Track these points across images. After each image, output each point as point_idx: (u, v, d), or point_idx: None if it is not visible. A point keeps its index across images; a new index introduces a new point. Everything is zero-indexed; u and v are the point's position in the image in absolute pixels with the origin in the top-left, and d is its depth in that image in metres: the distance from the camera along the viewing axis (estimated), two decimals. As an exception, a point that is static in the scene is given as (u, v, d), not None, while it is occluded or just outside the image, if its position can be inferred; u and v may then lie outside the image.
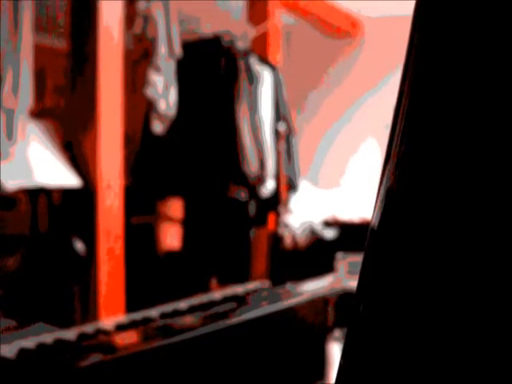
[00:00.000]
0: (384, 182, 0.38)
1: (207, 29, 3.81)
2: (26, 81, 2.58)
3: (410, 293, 0.36)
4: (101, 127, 2.70)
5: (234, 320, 1.42)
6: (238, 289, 1.86)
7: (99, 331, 1.33)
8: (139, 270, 3.03)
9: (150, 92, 3.15)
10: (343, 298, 1.79)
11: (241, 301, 1.63)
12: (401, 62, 0.40)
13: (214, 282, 3.62)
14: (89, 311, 2.78)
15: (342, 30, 5.50)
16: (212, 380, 1.33)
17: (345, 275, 2.02)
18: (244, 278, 3.66)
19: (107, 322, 1.41)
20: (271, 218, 4.02)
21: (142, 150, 3.41)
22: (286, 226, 4.30)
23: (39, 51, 2.89)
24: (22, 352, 1.16)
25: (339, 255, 2.07)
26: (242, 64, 3.56)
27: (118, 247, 2.81)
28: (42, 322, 2.65)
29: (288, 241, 4.43)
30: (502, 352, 0.33)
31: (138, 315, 1.44)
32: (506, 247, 0.33)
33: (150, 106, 3.22)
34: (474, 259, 0.34)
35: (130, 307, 2.68)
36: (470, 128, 0.34)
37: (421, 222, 0.36)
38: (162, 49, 3.29)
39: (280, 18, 4.45)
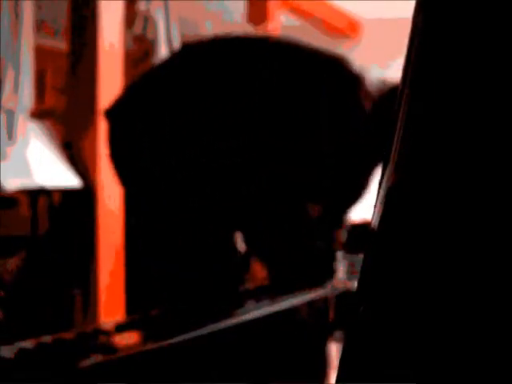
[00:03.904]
0: (384, 182, 0.38)
1: (207, 30, 3.81)
2: (26, 81, 2.58)
3: (411, 293, 0.36)
4: (101, 127, 2.70)
5: (234, 320, 1.42)
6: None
7: (99, 332, 1.33)
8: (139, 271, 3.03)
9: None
10: (343, 298, 1.79)
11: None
12: (398, 62, 0.40)
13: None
14: (89, 312, 2.78)
15: (341, 31, 5.50)
16: (212, 380, 1.33)
17: (345, 275, 2.02)
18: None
19: (107, 322, 1.41)
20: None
21: None
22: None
23: (40, 52, 2.89)
24: (22, 352, 1.16)
25: (339, 256, 2.07)
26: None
27: (119, 248, 2.80)
28: (42, 322, 2.65)
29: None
30: (504, 355, 0.33)
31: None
32: (508, 246, 0.33)
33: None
34: (476, 260, 0.34)
35: (131, 308, 2.68)
36: (471, 128, 0.34)
37: (421, 222, 0.36)
38: (162, 49, 3.29)
39: (280, 18, 4.45)
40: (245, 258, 2.12)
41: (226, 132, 1.88)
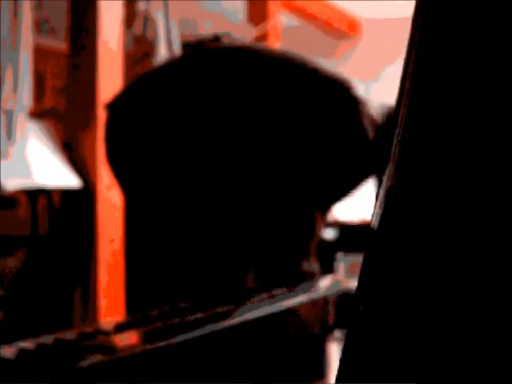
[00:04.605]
0: (384, 182, 0.38)
1: (206, 30, 3.81)
2: (25, 81, 2.58)
3: (411, 294, 0.36)
4: (101, 127, 2.70)
5: (234, 320, 1.42)
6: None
7: (99, 332, 1.33)
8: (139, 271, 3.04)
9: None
10: (343, 299, 1.79)
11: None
12: (398, 62, 0.40)
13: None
14: (89, 312, 2.78)
15: (341, 31, 5.50)
16: (212, 380, 1.33)
17: (345, 276, 2.02)
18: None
19: (107, 322, 1.41)
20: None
21: None
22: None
23: (39, 52, 2.89)
24: (22, 352, 1.16)
25: (339, 256, 2.07)
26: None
27: (118, 248, 2.81)
28: (42, 322, 2.65)
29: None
30: (503, 355, 0.33)
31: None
32: (508, 246, 0.33)
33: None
34: (476, 260, 0.34)
35: (131, 308, 2.68)
36: (472, 127, 0.34)
37: (421, 222, 0.36)
38: (162, 49, 3.29)
39: (280, 18, 4.45)
40: (244, 258, 2.12)
41: (226, 134, 1.88)
